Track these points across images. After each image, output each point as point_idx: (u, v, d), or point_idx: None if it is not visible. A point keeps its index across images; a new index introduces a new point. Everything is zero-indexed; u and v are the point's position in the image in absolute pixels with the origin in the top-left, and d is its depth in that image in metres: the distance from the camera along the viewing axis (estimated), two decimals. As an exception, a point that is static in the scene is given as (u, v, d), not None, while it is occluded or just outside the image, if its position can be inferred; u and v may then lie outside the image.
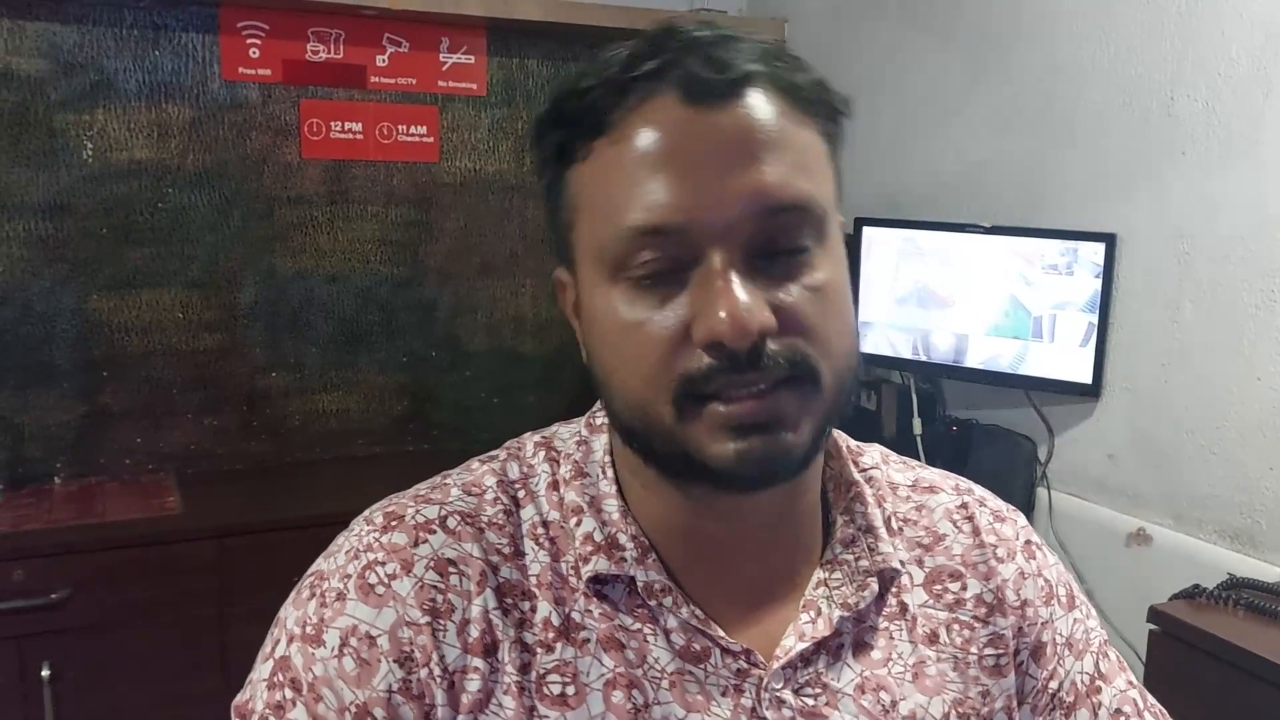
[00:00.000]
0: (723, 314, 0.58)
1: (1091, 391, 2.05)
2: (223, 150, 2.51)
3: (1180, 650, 1.49)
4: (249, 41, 2.49)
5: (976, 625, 0.74)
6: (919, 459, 2.24)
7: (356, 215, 2.66)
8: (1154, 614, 1.54)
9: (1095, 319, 2.02)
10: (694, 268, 0.60)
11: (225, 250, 2.54)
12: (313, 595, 0.66)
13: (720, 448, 0.61)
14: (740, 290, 0.59)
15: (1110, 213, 2.03)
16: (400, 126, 2.66)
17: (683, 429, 0.61)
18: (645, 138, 0.61)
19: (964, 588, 0.75)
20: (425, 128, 2.69)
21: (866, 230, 2.31)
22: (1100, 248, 2.00)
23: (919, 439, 2.33)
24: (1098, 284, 2.01)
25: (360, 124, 2.62)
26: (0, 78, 2.29)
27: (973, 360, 2.18)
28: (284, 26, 2.51)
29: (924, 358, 2.26)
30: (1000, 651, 0.74)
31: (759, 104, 0.62)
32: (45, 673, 2.04)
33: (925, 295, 2.24)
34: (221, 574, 2.17)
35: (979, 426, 2.29)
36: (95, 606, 2.09)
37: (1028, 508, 2.18)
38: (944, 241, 2.21)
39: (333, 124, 2.59)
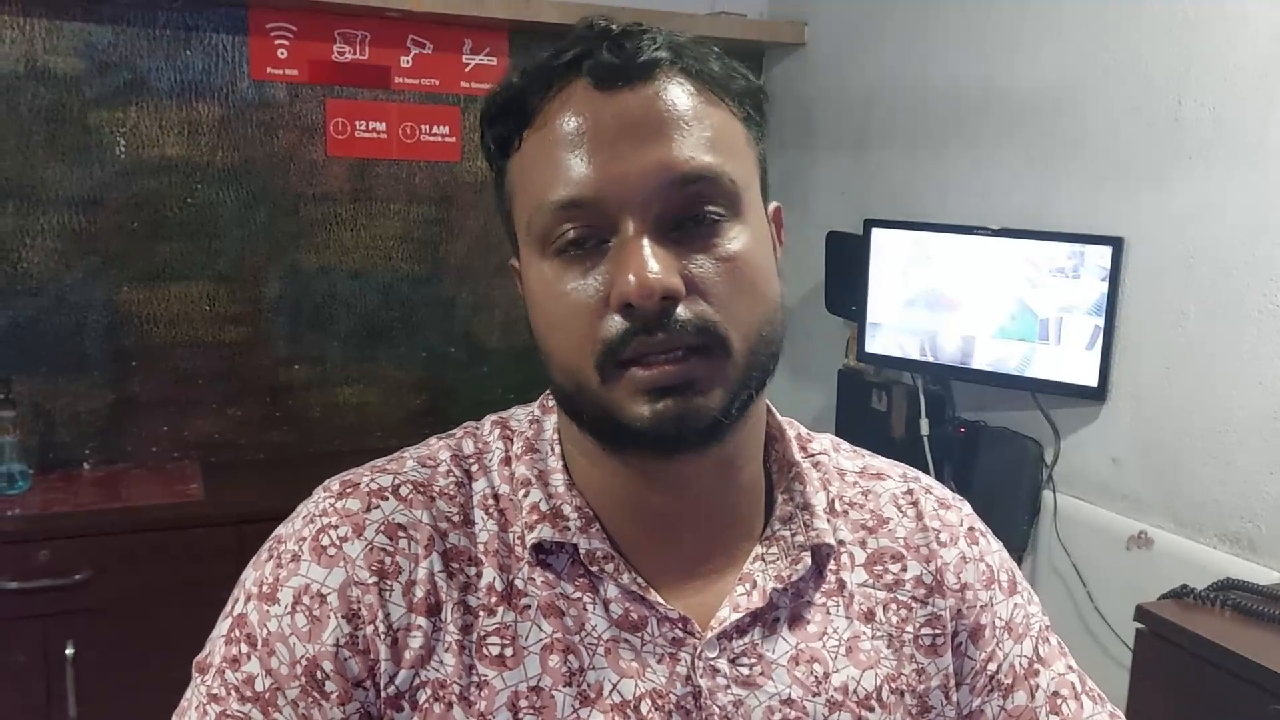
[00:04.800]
0: (631, 277, 0.62)
1: (1097, 394, 2.05)
2: (250, 148, 2.58)
3: (1166, 650, 1.50)
4: (277, 42, 2.56)
5: (914, 605, 0.77)
6: (926, 460, 2.29)
7: (379, 213, 2.72)
8: (1141, 613, 1.54)
9: (1101, 322, 2.02)
10: (613, 239, 0.64)
11: (251, 245, 2.61)
12: (270, 557, 0.70)
13: (637, 409, 0.65)
14: (649, 255, 0.63)
15: (1117, 217, 2.03)
16: (423, 126, 2.72)
17: (606, 392, 0.65)
18: (562, 122, 0.65)
19: (904, 569, 0.78)
20: (448, 128, 2.74)
21: (876, 232, 2.33)
22: (1107, 251, 2.01)
23: (926, 440, 2.34)
24: (1104, 287, 2.01)
25: (384, 124, 2.68)
26: (38, 76, 2.37)
27: (980, 362, 2.20)
28: (311, 28, 2.58)
29: (932, 359, 2.28)
30: (937, 632, 0.77)
31: (666, 86, 0.66)
32: (69, 651, 2.11)
33: (933, 297, 2.26)
34: (241, 560, 2.17)
35: (986, 428, 2.30)
36: (118, 588, 2.16)
37: (1033, 510, 2.19)
38: (952, 244, 2.22)
39: (357, 123, 2.66)
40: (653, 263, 0.62)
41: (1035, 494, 2.19)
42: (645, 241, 0.63)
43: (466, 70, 2.74)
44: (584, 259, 0.65)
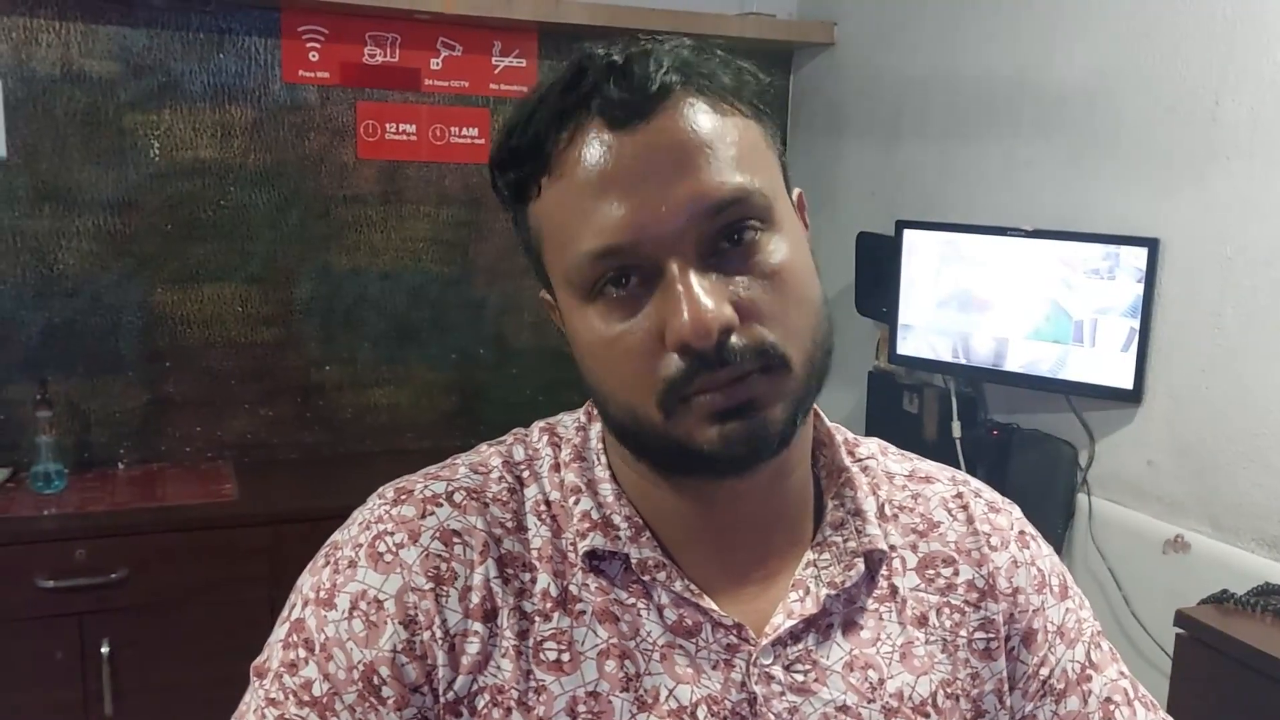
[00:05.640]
0: (685, 318, 0.61)
1: (1132, 397, 2.03)
2: (282, 150, 2.59)
3: (1207, 655, 1.49)
4: (309, 45, 2.57)
5: (967, 610, 0.77)
6: (959, 463, 2.27)
7: (409, 215, 2.73)
8: (1181, 618, 1.53)
9: (1137, 324, 2.00)
10: (657, 277, 0.64)
11: (283, 247, 2.63)
12: (327, 563, 0.71)
13: (706, 435, 0.64)
14: (699, 292, 0.62)
15: (1153, 217, 2.01)
16: (453, 128, 2.73)
17: (672, 425, 0.65)
18: (582, 169, 0.64)
19: (956, 573, 0.77)
20: (477, 130, 2.75)
21: (908, 233, 2.32)
22: (1142, 252, 1.99)
23: (958, 442, 2.32)
24: (1139, 289, 1.99)
25: (414, 125, 2.69)
26: (73, 79, 2.40)
27: (1013, 364, 2.18)
28: (342, 30, 2.59)
29: (964, 361, 2.26)
30: (991, 636, 0.77)
31: (681, 113, 0.64)
32: (105, 649, 2.14)
33: (966, 299, 2.25)
34: (274, 559, 2.25)
35: (1020, 431, 2.28)
36: (153, 586, 2.18)
37: (1067, 513, 2.17)
38: (985, 245, 2.21)
39: (388, 125, 2.67)
40: (704, 299, 0.62)
41: (1069, 497, 2.17)
42: (693, 277, 0.62)
43: (496, 72, 2.75)
44: (628, 301, 0.64)
